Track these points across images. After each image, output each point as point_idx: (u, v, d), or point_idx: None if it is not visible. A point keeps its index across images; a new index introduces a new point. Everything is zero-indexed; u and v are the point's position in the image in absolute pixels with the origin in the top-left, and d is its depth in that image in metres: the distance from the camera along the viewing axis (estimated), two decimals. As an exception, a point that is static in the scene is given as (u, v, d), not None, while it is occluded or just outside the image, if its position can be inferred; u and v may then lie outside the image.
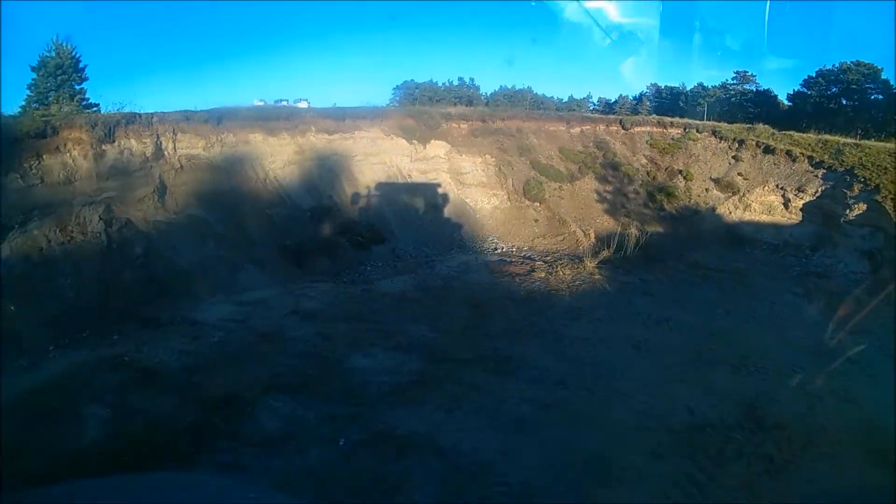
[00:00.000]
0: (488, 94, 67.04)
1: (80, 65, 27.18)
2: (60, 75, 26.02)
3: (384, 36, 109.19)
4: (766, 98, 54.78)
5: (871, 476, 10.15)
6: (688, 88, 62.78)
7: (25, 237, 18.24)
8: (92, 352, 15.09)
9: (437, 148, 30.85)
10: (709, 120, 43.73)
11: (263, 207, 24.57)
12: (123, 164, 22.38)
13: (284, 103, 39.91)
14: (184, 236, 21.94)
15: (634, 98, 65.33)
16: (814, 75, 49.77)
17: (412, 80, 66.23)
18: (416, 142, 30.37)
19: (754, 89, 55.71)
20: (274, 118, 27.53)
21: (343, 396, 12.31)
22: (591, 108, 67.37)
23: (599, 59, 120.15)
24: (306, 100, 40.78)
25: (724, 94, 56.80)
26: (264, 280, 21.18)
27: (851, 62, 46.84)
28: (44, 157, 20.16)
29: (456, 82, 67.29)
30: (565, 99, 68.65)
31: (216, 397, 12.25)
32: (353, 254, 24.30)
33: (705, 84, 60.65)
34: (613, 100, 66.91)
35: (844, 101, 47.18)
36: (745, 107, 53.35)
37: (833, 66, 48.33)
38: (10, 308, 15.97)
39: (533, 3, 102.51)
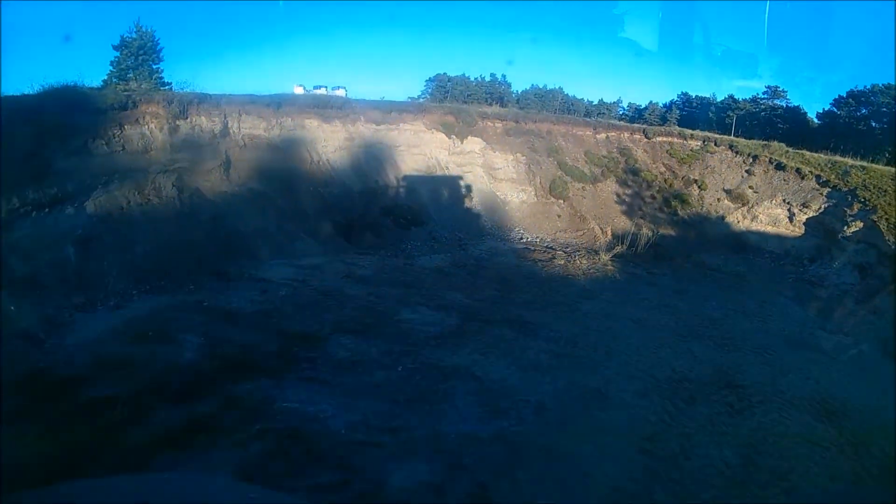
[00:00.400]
0: (519, 91, 68.04)
1: (158, 47, 30.52)
2: (141, 55, 29.34)
3: (421, 30, 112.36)
4: (795, 115, 55.38)
5: (812, 428, 13.10)
6: (718, 100, 63.51)
7: (108, 196, 21.36)
8: (172, 297, 18.17)
9: (473, 144, 33.96)
10: (737, 132, 45.74)
11: (317, 186, 27.76)
12: (194, 138, 25.60)
13: (323, 90, 42.25)
14: (246, 206, 25.08)
15: (665, 105, 66.64)
16: (844, 95, 50.45)
17: (444, 73, 67.28)
18: (454, 137, 33.49)
19: (784, 105, 56.48)
20: (328, 106, 30.68)
21: (397, 339, 15.47)
22: (621, 112, 68.88)
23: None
24: (344, 87, 43.46)
25: (755, 108, 57.60)
26: (317, 249, 24.39)
27: (883, 85, 47.52)
28: (125, 127, 23.26)
29: (488, 78, 67.99)
30: (595, 102, 69.76)
31: (293, 334, 15.39)
32: (396, 233, 27.49)
33: (736, 96, 61.02)
34: (643, 105, 68.10)
35: (874, 124, 47.78)
36: (773, 122, 54.42)
37: (865, 87, 49.03)
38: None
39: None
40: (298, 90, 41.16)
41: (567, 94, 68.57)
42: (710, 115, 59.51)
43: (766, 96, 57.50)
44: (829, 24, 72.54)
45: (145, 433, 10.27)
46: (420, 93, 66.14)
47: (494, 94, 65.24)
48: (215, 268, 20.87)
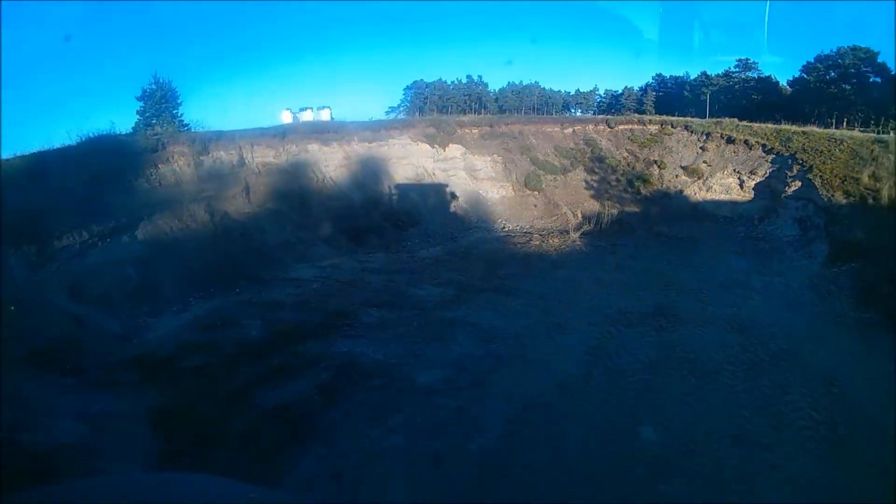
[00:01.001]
0: (497, 90, 70.39)
1: (176, 94, 35.70)
2: (163, 103, 34.43)
3: (393, 38, 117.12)
4: (767, 85, 57.15)
5: (722, 337, 18.08)
6: (691, 78, 64.74)
7: (153, 225, 26.27)
8: (224, 298, 23.00)
9: (455, 150, 39.09)
10: (713, 108, 50.62)
11: (324, 200, 32.73)
12: (217, 170, 30.60)
13: (309, 111, 46.52)
14: (267, 223, 30.00)
15: (640, 89, 68.28)
16: (812, 61, 52.28)
17: (421, 79, 69.51)
18: (437, 146, 38.62)
19: (756, 76, 58.11)
20: (325, 131, 35.86)
21: (410, 307, 20.49)
22: (598, 100, 71.66)
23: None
24: (328, 107, 47.19)
25: (728, 83, 59.07)
26: (332, 252, 29.31)
27: (848, 47, 49.59)
28: (159, 166, 28.38)
29: (465, 80, 69.86)
30: (572, 92, 72.33)
31: (330, 311, 20.31)
32: (396, 233, 32.47)
33: (709, 73, 62.30)
34: (619, 91, 69.70)
35: (846, 86, 49.39)
36: (748, 94, 56.42)
37: (831, 51, 50.88)
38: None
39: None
40: (286, 114, 45.85)
41: (544, 88, 71.06)
42: (686, 93, 62.33)
43: (737, 69, 59.52)
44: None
45: (241, 379, 15.12)
46: (399, 101, 69.40)
47: (472, 95, 67.98)
48: (252, 274, 25.65)
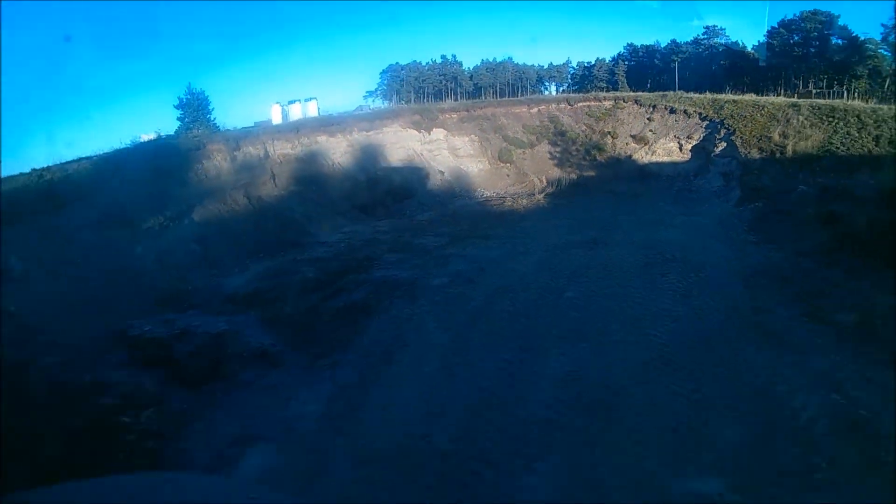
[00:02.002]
0: (471, 68, 73.49)
1: (208, 102, 44.20)
2: (199, 110, 42.84)
3: (367, 21, 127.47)
4: (735, 51, 61.33)
5: (635, 253, 26.81)
6: (662, 46, 68.47)
7: (205, 210, 34.42)
8: (273, 259, 31.03)
9: (438, 133, 47.62)
10: (682, 75, 56.79)
11: (335, 182, 41.15)
12: (248, 162, 38.87)
13: (297, 104, 53.10)
14: (293, 202, 38.26)
15: (612, 59, 71.23)
16: (776, 26, 56.37)
17: (397, 62, 72.40)
18: (423, 131, 47.11)
19: (724, 42, 62.29)
20: (330, 125, 44.26)
21: (418, 251, 28.97)
22: (571, 72, 75.45)
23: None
24: (315, 98, 54.35)
25: (696, 49, 63.39)
26: (348, 222, 37.69)
27: (808, 12, 53.38)
28: (203, 162, 36.74)
29: (439, 60, 72.74)
30: (546, 66, 75.57)
31: (361, 258, 28.63)
32: (395, 204, 40.94)
33: (678, 40, 66.04)
34: (591, 62, 72.69)
35: (811, 49, 53.47)
36: (717, 60, 60.88)
37: (794, 15, 54.69)
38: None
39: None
40: (276, 108, 52.63)
41: (517, 64, 74.14)
42: (656, 62, 67.55)
43: (706, 37, 63.64)
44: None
45: (313, 298, 23.43)
46: (377, 85, 73.31)
47: (448, 75, 71.40)
48: (289, 241, 33.81)
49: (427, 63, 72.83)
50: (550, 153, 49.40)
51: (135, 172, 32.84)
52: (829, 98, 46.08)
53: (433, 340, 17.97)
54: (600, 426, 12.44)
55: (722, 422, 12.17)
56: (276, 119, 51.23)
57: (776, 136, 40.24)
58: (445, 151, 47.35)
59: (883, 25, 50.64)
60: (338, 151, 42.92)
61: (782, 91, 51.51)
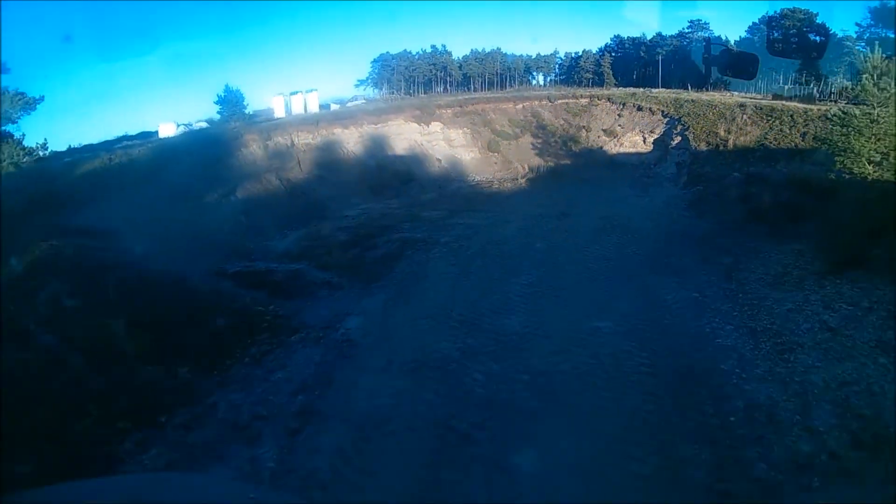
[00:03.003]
0: (460, 58, 76.95)
1: (242, 98, 53.07)
2: (236, 105, 51.71)
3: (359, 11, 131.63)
4: (718, 46, 60.88)
5: (594, 223, 36.12)
6: (647, 39, 71.61)
7: (246, 189, 43.06)
8: (308, 229, 40.00)
9: (435, 126, 56.31)
10: (666, 68, 62.81)
11: (350, 167, 49.87)
12: (277, 150, 47.46)
13: (299, 95, 60.02)
14: (316, 185, 46.97)
15: (599, 51, 75.11)
16: (757, 22, 61.20)
17: (387, 52, 75.94)
18: (422, 124, 55.77)
19: (708, 36, 65.36)
20: (343, 118, 53.13)
21: (425, 221, 37.77)
22: (559, 62, 79.86)
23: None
24: (315, 89, 61.73)
25: (681, 42, 67.40)
26: (362, 201, 46.14)
27: (788, 9, 56.90)
28: (241, 150, 45.60)
29: (429, 50, 76.44)
30: (534, 56, 79.16)
31: (379, 226, 37.31)
32: (401, 187, 49.57)
33: (664, 33, 69.71)
34: (579, 53, 76.53)
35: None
36: (700, 52, 63.85)
37: (775, 12, 58.95)
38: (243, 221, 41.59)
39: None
40: (278, 100, 58.85)
41: (506, 54, 78.20)
42: (642, 54, 71.54)
43: (690, 30, 67.86)
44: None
45: (353, 251, 32.57)
46: (367, 74, 77.62)
47: (437, 65, 75.62)
48: (316, 215, 42.62)
49: (417, 53, 76.87)
50: (532, 144, 58.22)
51: (191, 156, 41.61)
52: (802, 95, 52.67)
53: (446, 271, 27.30)
54: (551, 301, 22.31)
55: (619, 303, 21.77)
56: (279, 110, 57.60)
57: (722, 132, 48.40)
58: (442, 142, 56.12)
59: (857, 25, 56.89)
60: (351, 141, 51.58)
61: (762, 85, 57.22)
